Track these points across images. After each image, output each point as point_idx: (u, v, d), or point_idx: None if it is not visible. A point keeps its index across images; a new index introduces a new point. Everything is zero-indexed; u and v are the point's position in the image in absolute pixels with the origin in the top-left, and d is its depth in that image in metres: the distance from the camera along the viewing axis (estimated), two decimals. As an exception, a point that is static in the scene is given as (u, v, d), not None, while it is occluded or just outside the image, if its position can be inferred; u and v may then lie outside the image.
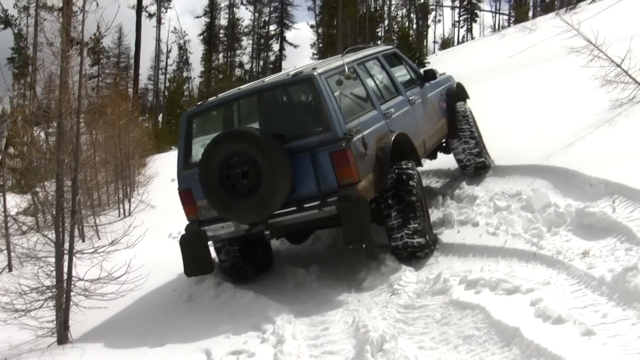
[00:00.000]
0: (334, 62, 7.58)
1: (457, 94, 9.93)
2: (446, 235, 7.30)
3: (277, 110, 7.80)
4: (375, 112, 7.49)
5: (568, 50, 9.92)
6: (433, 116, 9.16)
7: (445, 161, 10.04)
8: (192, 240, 7.13)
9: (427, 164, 9.80)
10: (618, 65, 9.45)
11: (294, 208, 6.73)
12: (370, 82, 7.97)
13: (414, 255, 6.93)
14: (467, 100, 10.16)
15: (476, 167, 9.28)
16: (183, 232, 7.32)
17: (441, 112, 9.51)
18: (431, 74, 9.37)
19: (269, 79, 8.26)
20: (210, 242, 7.37)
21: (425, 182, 9.58)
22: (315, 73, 6.88)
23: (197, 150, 7.28)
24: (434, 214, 8.02)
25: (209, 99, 8.25)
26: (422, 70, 9.62)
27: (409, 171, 7.12)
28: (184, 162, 7.29)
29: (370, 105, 7.57)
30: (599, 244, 5.70)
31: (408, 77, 9.19)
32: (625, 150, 7.35)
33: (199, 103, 7.96)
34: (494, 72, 18.16)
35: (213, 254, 7.56)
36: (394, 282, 6.30)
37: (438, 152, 9.83)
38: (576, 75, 10.96)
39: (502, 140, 9.91)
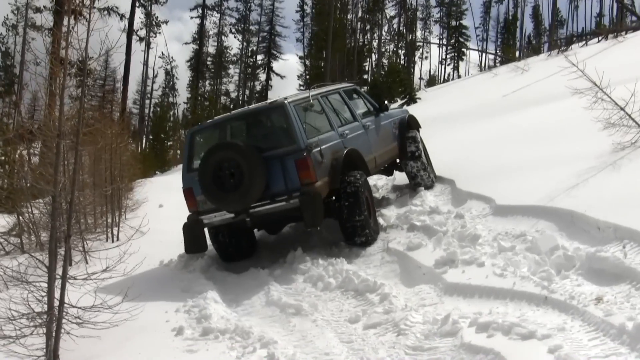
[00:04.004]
0: (303, 94, 10.14)
1: (409, 123, 12.48)
2: (450, 275, 7.09)
3: (258, 128, 10.14)
4: (333, 133, 9.87)
5: (568, 90, 9.86)
6: (385, 139, 11.61)
7: (444, 201, 10.59)
8: (192, 227, 9.41)
9: (426, 204, 10.39)
10: (622, 109, 9.36)
11: (268, 201, 9.02)
12: (330, 110, 10.32)
13: (361, 242, 9.21)
14: (419, 129, 12.75)
15: (423, 182, 11.67)
16: (185, 220, 9.51)
17: (393, 137, 12.02)
18: (384, 107, 11.95)
19: (253, 106, 11.25)
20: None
21: (423, 218, 9.49)
22: (286, 101, 9.31)
23: (197, 159, 9.60)
24: (436, 252, 7.88)
25: (208, 121, 10.65)
26: (377, 104, 11.99)
27: (356, 177, 9.37)
28: (188, 167, 9.73)
29: (330, 127, 9.93)
30: (612, 290, 5.52)
31: (365, 108, 11.70)
32: (631, 195, 7.17)
33: (200, 123, 10.91)
34: (489, 111, 18.10)
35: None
36: (399, 321, 6.12)
37: (395, 171, 12.67)
38: (575, 117, 10.93)
39: (502, 180, 9.80)
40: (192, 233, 9.40)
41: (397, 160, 12.25)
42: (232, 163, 8.87)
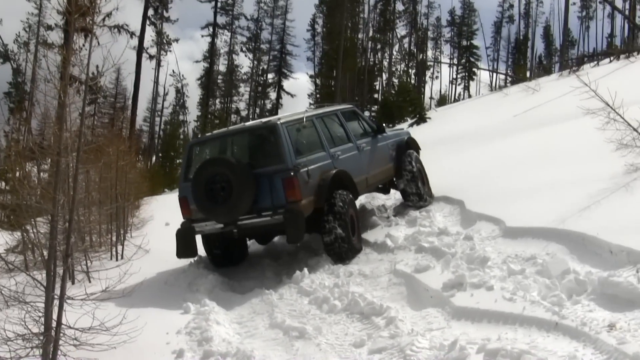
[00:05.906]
0: (297, 115, 10.69)
1: (408, 145, 13.00)
2: (458, 298, 6.87)
3: (252, 145, 10.55)
4: (324, 153, 10.37)
5: (580, 111, 9.69)
6: (380, 160, 12.07)
7: (453, 222, 10.52)
8: (184, 233, 10.09)
9: (434, 225, 10.40)
10: (635, 129, 9.18)
11: (255, 215, 9.58)
12: (324, 131, 10.75)
13: (339, 257, 9.70)
14: (419, 151, 13.23)
15: (413, 203, 12.21)
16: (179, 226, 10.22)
17: (390, 158, 12.48)
18: (381, 129, 12.52)
19: (249, 123, 11.28)
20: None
21: (431, 240, 9.32)
22: (278, 122, 9.85)
23: (194, 170, 10.04)
24: (444, 274, 7.67)
25: (207, 134, 11.54)
26: (375, 125, 12.58)
27: (341, 197, 9.92)
28: (184, 177, 10.32)
29: (321, 147, 10.42)
30: (625, 317, 5.31)
31: (362, 130, 12.13)
32: (645, 217, 7.01)
33: (199, 136, 11.33)
34: (500, 131, 17.95)
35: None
36: (405, 346, 5.90)
37: (391, 189, 13.26)
38: (587, 138, 10.74)
39: (512, 201, 9.60)
40: (184, 239, 10.10)
41: (394, 179, 12.76)
42: (223, 177, 9.45)
